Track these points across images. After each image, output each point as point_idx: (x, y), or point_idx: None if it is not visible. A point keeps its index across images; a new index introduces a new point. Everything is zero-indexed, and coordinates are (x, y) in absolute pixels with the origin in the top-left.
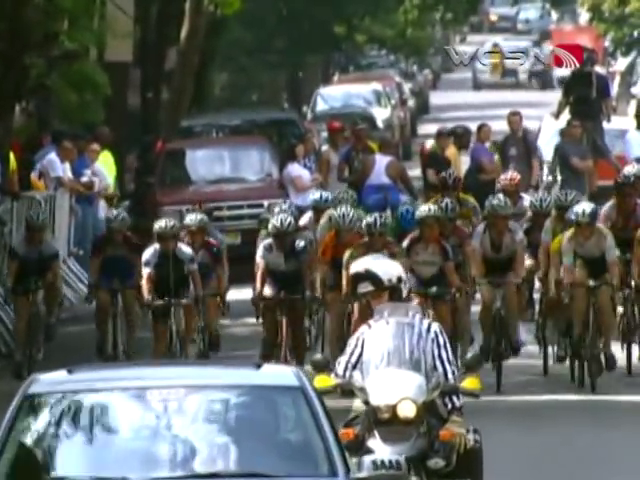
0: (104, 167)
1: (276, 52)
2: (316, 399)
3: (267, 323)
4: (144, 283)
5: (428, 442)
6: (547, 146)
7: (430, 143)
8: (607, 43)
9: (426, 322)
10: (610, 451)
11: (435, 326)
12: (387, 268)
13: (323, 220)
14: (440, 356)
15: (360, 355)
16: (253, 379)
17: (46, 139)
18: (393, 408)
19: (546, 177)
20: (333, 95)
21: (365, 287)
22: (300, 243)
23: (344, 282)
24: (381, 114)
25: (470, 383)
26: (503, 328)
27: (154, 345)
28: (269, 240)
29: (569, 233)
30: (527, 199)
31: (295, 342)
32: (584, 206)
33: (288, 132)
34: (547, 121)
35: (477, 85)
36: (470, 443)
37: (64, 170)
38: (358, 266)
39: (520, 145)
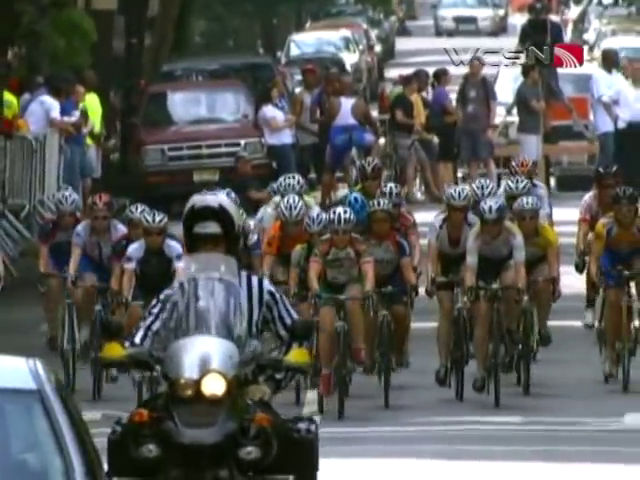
0: (90, 108)
1: (251, 1)
2: (60, 406)
3: None
4: (125, 280)
5: (240, 427)
6: (505, 89)
7: (390, 88)
8: None
9: (255, 279)
10: None
11: (267, 283)
12: (237, 212)
13: (270, 207)
14: (282, 318)
15: (164, 320)
16: None
17: (33, 83)
18: (197, 383)
19: (504, 117)
20: (305, 41)
21: (212, 228)
22: (253, 237)
23: (291, 281)
24: (350, 59)
25: (296, 355)
26: (465, 335)
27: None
28: None
29: (475, 230)
30: (542, 186)
31: None
32: (491, 202)
33: (263, 76)
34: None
35: (439, 32)
36: (301, 433)
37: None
38: (203, 200)
39: (479, 87)
